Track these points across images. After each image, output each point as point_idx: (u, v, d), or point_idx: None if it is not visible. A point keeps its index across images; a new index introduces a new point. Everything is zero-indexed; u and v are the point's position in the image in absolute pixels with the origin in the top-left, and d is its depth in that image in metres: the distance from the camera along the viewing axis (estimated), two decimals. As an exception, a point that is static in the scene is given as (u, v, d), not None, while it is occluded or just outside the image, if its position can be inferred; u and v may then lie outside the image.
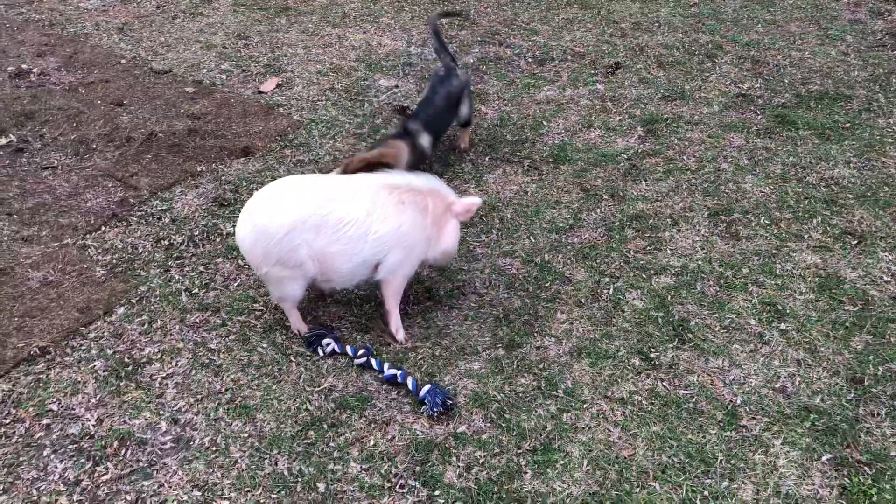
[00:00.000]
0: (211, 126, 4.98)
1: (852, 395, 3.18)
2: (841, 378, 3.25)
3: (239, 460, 2.91)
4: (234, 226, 4.08)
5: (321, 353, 3.36)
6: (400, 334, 3.46)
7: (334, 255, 3.17)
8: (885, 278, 3.76)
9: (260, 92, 5.40)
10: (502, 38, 6.19)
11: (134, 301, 3.63)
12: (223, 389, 3.20)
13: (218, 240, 4.04)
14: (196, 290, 3.70)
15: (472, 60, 5.84)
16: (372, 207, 3.18)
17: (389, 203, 3.22)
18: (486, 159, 4.74)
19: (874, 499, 2.78)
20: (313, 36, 6.21)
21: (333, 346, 3.36)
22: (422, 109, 4.40)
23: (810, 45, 6.04)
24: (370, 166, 3.86)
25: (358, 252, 3.19)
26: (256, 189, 4.31)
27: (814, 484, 2.84)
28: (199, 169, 4.57)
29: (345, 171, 3.86)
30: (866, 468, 2.88)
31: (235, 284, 3.75)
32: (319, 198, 3.16)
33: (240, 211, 3.91)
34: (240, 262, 3.88)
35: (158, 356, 3.35)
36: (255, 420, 3.07)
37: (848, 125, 5.00)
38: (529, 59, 5.89)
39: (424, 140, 4.25)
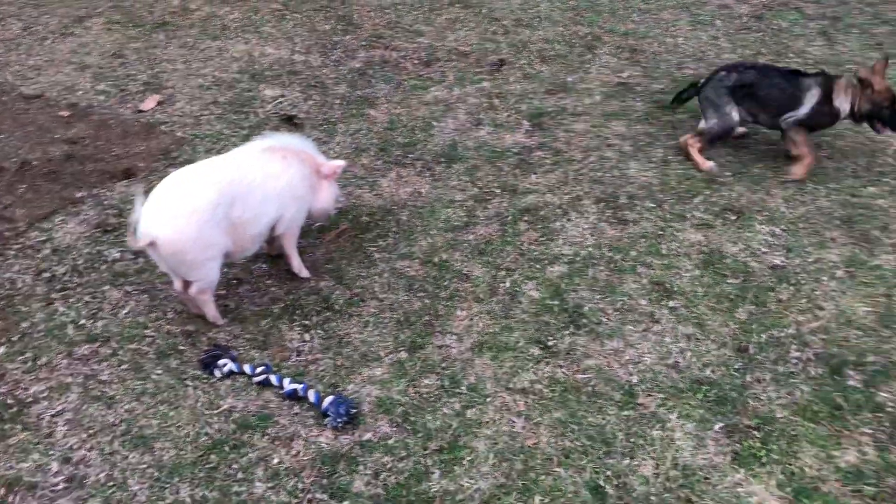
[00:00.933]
0: (89, 150, 4.80)
1: (739, 364, 3.33)
2: (728, 348, 3.40)
3: (138, 493, 2.82)
4: (120, 251, 3.95)
5: (218, 375, 3.28)
6: (304, 272, 3.81)
7: (247, 221, 3.39)
8: (763, 250, 3.95)
9: (140, 111, 5.23)
10: (387, 41, 6.19)
11: (15, 339, 3.46)
12: (117, 421, 3.09)
13: (103, 267, 3.89)
14: (83, 322, 3.56)
15: (358, 65, 5.82)
16: (265, 170, 3.47)
17: (275, 162, 3.54)
18: (379, 163, 4.73)
19: (763, 460, 2.92)
20: (193, 50, 6.05)
21: (230, 365, 3.29)
22: None
23: (683, 32, 6.29)
24: None
25: (265, 213, 3.48)
26: (142, 211, 4.18)
27: (709, 453, 2.96)
28: (79, 195, 4.39)
29: None
30: (755, 432, 3.02)
31: (125, 312, 3.63)
32: (224, 172, 3.38)
33: (124, 236, 3.79)
34: (128, 288, 3.75)
35: (45, 394, 3.20)
36: (153, 449, 2.97)
37: (721, 106, 5.21)
38: (415, 61, 5.91)
39: None
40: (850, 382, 3.23)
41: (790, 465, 2.91)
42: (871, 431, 3.03)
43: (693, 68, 5.70)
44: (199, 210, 3.24)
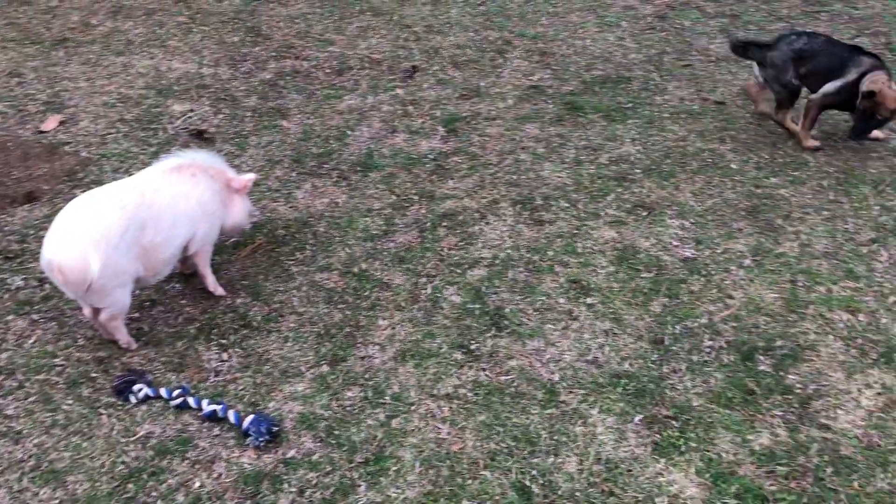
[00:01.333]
0: (-13, 174, 4.59)
1: (656, 356, 3.41)
2: (644, 341, 3.48)
3: (51, 530, 2.70)
4: (24, 279, 3.80)
5: (133, 401, 3.18)
6: (219, 290, 3.74)
7: (158, 245, 3.30)
8: (675, 243, 4.06)
9: (41, 132, 5.04)
10: (297, 51, 6.12)
11: (-88, 377, 3.28)
12: (26, 457, 2.96)
13: (6, 296, 3.73)
14: (-15, 355, 3.40)
15: (269, 77, 5.74)
16: (174, 190, 3.39)
17: (184, 181, 3.45)
18: (294, 174, 4.67)
19: (682, 448, 2.99)
20: (96, 67, 5.86)
21: (146, 390, 3.19)
22: None
23: (591, 33, 6.41)
24: None
25: (177, 234, 3.39)
26: (46, 236, 4.02)
27: (630, 445, 3.02)
28: (-23, 222, 4.20)
29: None
30: (673, 421, 3.10)
31: (31, 342, 3.48)
32: (132, 195, 3.29)
33: (28, 262, 3.65)
34: (34, 317, 3.61)
35: (-53, 433, 3.04)
36: (65, 484, 2.86)
37: (630, 105, 5.35)
38: (328, 70, 5.87)
39: None
40: (761, 367, 3.34)
41: (707, 451, 2.99)
42: (781, 413, 3.14)
43: (602, 69, 5.82)
44: (107, 236, 3.13)
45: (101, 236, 3.11)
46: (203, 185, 3.53)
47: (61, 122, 5.15)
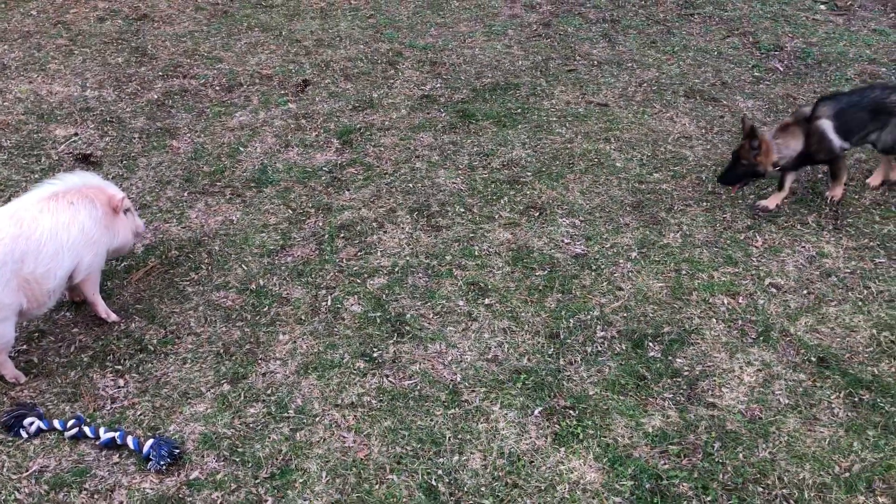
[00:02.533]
0: None
1: (552, 349, 3.53)
2: (541, 336, 3.60)
3: (-61, 577, 2.58)
4: None
5: (25, 435, 3.07)
6: (112, 316, 3.65)
7: (40, 277, 3.19)
8: (566, 241, 4.21)
9: (-89, 163, 4.80)
10: (185, 69, 6.03)
11: None
12: None
13: None
14: None
15: (156, 97, 5.63)
16: (53, 220, 3.26)
17: (62, 209, 3.31)
18: (185, 194, 4.60)
19: (580, 436, 3.11)
20: (-30, 93, 5.62)
21: (38, 423, 3.09)
22: None
23: (479, 43, 6.57)
24: None
25: (60, 265, 3.26)
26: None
27: (531, 437, 3.11)
28: None
29: None
30: (571, 411, 3.22)
31: None
32: (9, 227, 3.15)
33: None
34: (-89, 356, 3.42)
35: None
36: (-47, 527, 2.74)
37: (519, 110, 5.51)
38: (217, 88, 5.80)
39: None
40: (651, 353, 3.51)
41: (604, 437, 3.11)
42: (671, 395, 3.30)
43: (491, 77, 5.97)
44: None
45: None
46: (83, 212, 3.40)
47: (-66, 153, 4.91)
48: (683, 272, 3.99)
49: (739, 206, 4.50)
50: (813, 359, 3.47)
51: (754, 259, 4.07)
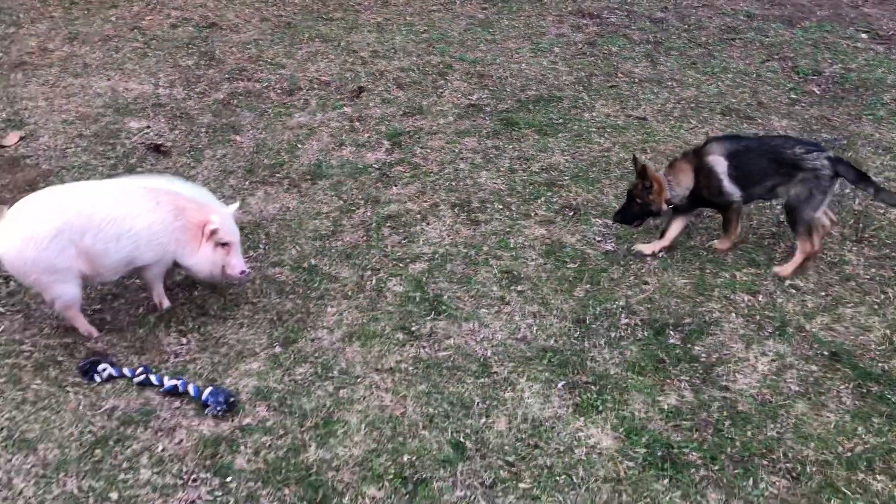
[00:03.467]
0: (-50, 185, 4.81)
1: (578, 333, 3.79)
2: (568, 321, 3.86)
3: (24, 490, 2.94)
4: (-11, 277, 4.02)
5: (98, 380, 3.43)
6: (165, 303, 3.84)
7: (98, 253, 3.45)
8: (598, 238, 4.48)
9: (2, 146, 5.27)
10: (250, 73, 6.46)
11: None
12: (-2, 429, 3.18)
13: (-27, 292, 3.95)
14: (-45, 343, 3.62)
15: (222, 97, 6.06)
16: (129, 207, 3.50)
17: (143, 203, 3.54)
18: (246, 183, 4.99)
19: (599, 408, 3.36)
20: (55, 88, 6.12)
21: (110, 370, 3.44)
22: None
23: (525, 58, 6.90)
24: None
25: (118, 249, 3.49)
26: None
27: (553, 406, 3.37)
28: (-58, 227, 4.40)
29: None
30: (592, 386, 3.47)
31: (-1, 331, 3.71)
32: (83, 201, 3.45)
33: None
34: (1, 309, 3.83)
35: (-79, 411, 3.25)
36: (36, 450, 3.10)
37: (561, 121, 5.81)
38: (279, 91, 6.22)
39: None
40: (671, 341, 3.75)
41: (622, 411, 3.36)
42: (688, 378, 3.54)
43: (535, 90, 6.29)
44: (36, 236, 3.34)
45: (31, 235, 3.35)
46: (160, 215, 3.54)
47: (21, 138, 5.39)
48: (707, 271, 4.22)
49: (766, 213, 4.71)
50: (825, 353, 3.67)
51: (776, 262, 4.28)
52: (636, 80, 6.49)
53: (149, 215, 3.54)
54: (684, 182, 4.18)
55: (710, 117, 5.88)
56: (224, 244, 3.65)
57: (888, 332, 3.80)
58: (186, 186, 3.72)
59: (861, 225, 4.59)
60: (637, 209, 4.26)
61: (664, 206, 4.23)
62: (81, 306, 3.66)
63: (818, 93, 6.30)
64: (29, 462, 3.05)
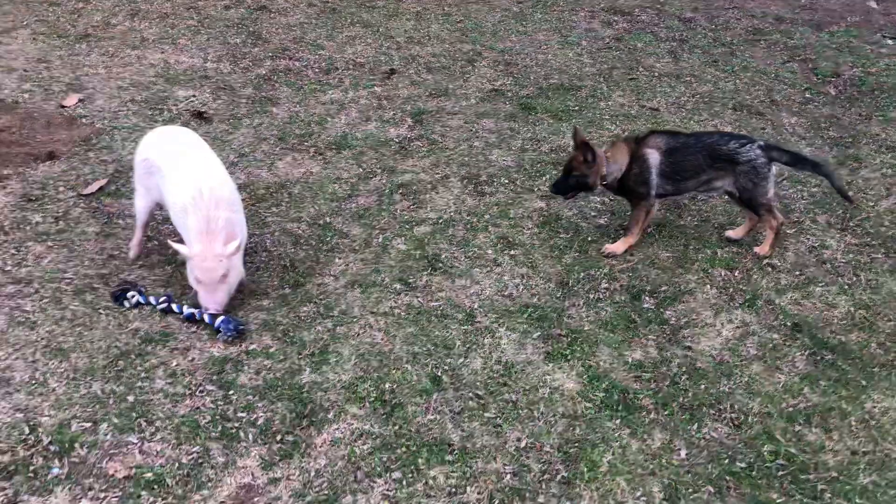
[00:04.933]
0: (15, 136, 5.36)
1: (560, 293, 4.12)
2: (553, 283, 4.20)
3: (56, 388, 3.40)
4: (42, 216, 4.54)
5: (127, 305, 3.89)
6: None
7: (164, 190, 3.99)
8: (593, 213, 4.80)
9: (62, 106, 5.82)
10: (292, 53, 6.93)
11: (-52, 280, 4.00)
12: (39, 339, 3.66)
13: (28, 228, 4.46)
14: (8, 268, 4.12)
15: (264, 72, 6.54)
16: (189, 175, 3.88)
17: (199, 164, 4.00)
18: (277, 149, 5.44)
19: (568, 357, 3.69)
20: (113, 58, 6.67)
21: (138, 297, 3.90)
22: None
23: (553, 50, 7.23)
24: None
25: (172, 193, 3.91)
26: (63, 185, 4.81)
27: (526, 353, 3.72)
28: (5, 173, 4.95)
29: None
30: (565, 338, 3.80)
31: (46, 261, 4.20)
32: (167, 146, 4.05)
33: (46, 205, 4.44)
34: (49, 243, 4.33)
35: (-25, 321, 3.76)
36: (70, 358, 3.56)
37: (577, 108, 6.13)
38: (316, 70, 6.67)
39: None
40: (645, 305, 4.05)
41: (589, 361, 3.69)
42: (655, 337, 3.85)
43: (557, 79, 6.62)
44: (137, 153, 4.20)
45: (137, 149, 4.23)
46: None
47: (80, 100, 5.93)
48: (691, 247, 4.51)
49: (758, 201, 4.96)
50: (788, 324, 3.94)
51: (759, 244, 4.54)
52: (656, 74, 6.76)
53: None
54: (620, 161, 4.31)
55: (721, 112, 6.13)
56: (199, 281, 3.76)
57: (853, 309, 4.04)
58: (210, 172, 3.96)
59: (849, 214, 4.81)
60: (573, 182, 4.36)
61: (598, 183, 4.35)
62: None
63: (833, 93, 6.49)
64: (62, 367, 3.52)
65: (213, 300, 3.76)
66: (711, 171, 4.30)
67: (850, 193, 4.69)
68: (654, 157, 4.29)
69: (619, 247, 4.41)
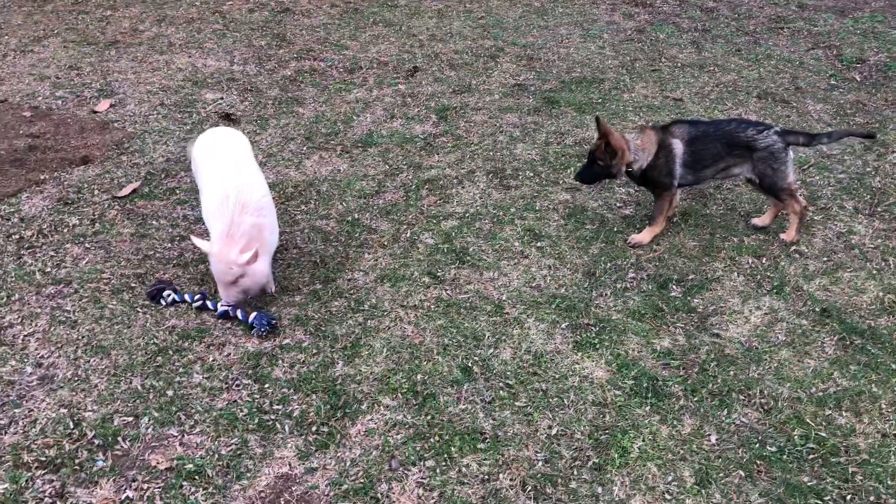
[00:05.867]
0: (50, 142, 5.50)
1: (587, 284, 4.16)
2: (580, 274, 4.23)
3: (98, 384, 3.51)
4: (78, 219, 4.66)
5: (163, 304, 3.99)
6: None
7: (200, 188, 4.16)
8: (618, 204, 4.82)
9: (94, 112, 5.96)
10: (316, 53, 7.03)
11: (-9, 283, 4.13)
12: (80, 337, 3.77)
13: (65, 230, 4.58)
14: (49, 270, 4.24)
15: (289, 73, 6.63)
16: (220, 177, 3.98)
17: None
18: (305, 148, 5.52)
19: (597, 346, 3.73)
20: (142, 63, 6.81)
21: (173, 296, 4.00)
22: None
23: (575, 43, 7.25)
24: None
25: (203, 193, 4.07)
26: (97, 189, 4.93)
27: (555, 343, 3.76)
28: (42, 177, 5.08)
29: None
30: (593, 328, 3.84)
31: (84, 262, 4.32)
32: (209, 147, 4.21)
33: (82, 208, 4.55)
34: (86, 245, 4.45)
35: (19, 321, 3.87)
36: (110, 355, 3.67)
37: (600, 100, 6.15)
38: (341, 69, 6.75)
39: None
40: (673, 293, 4.08)
41: (617, 349, 3.72)
42: (683, 325, 3.87)
43: (580, 72, 6.64)
44: (192, 148, 4.36)
45: (194, 145, 4.41)
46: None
47: (111, 105, 6.06)
48: (717, 235, 4.52)
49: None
50: (817, 309, 3.94)
51: (785, 231, 4.53)
52: (679, 64, 6.76)
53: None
54: (649, 149, 4.30)
55: (745, 100, 6.12)
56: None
57: (881, 293, 4.03)
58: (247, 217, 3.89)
59: (876, 200, 4.79)
60: (598, 170, 4.36)
61: (623, 171, 4.33)
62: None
63: (858, 80, 6.45)
64: (103, 364, 3.62)
65: (226, 295, 3.89)
66: (730, 157, 4.30)
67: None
68: (678, 146, 4.30)
69: (644, 236, 4.43)
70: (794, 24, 7.52)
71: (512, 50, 7.11)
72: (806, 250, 4.37)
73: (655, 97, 6.18)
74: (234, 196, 3.83)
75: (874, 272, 4.20)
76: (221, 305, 3.92)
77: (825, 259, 4.31)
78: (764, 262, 4.30)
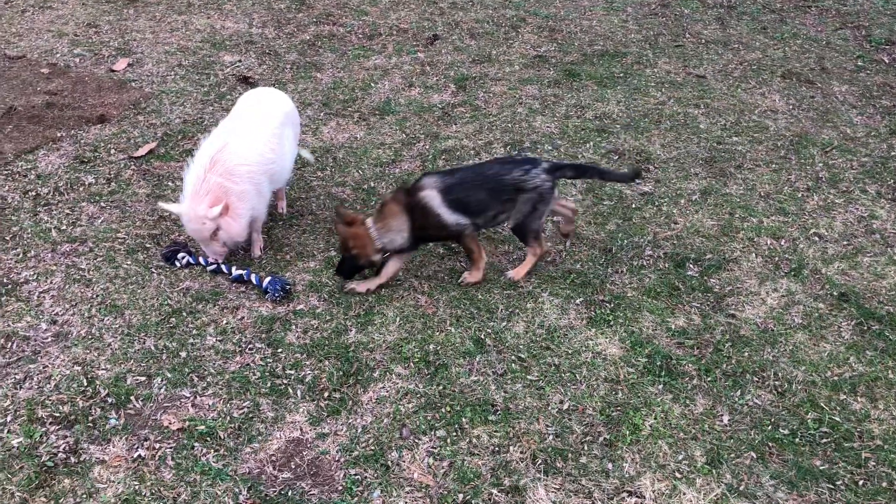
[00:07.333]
0: (68, 100, 5.48)
1: (603, 260, 4.13)
2: (596, 250, 4.20)
3: (112, 343, 3.52)
4: (94, 178, 4.65)
5: (178, 265, 3.99)
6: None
7: None
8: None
9: (112, 70, 5.92)
10: (335, 18, 6.95)
11: (7, 239, 4.13)
12: (94, 296, 3.78)
13: (81, 189, 4.57)
14: (64, 227, 4.24)
15: (308, 38, 6.57)
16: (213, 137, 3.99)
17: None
18: (322, 115, 5.48)
19: (611, 322, 3.71)
20: (160, 23, 6.75)
21: (188, 258, 4.00)
22: None
23: (598, 16, 7.14)
24: None
25: None
26: (114, 148, 4.91)
27: (569, 318, 3.74)
28: (59, 135, 5.07)
29: None
30: (608, 304, 3.81)
31: (100, 221, 4.32)
32: (239, 106, 4.22)
33: (98, 166, 4.54)
34: (102, 204, 4.44)
35: (34, 277, 3.88)
36: (124, 315, 3.68)
37: (622, 74, 6.07)
38: (360, 35, 6.68)
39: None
40: (689, 273, 4.04)
41: (632, 327, 3.70)
42: (698, 305, 3.84)
43: (602, 45, 6.54)
44: None
45: None
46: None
47: (129, 64, 6.03)
48: (737, 216, 4.47)
49: (807, 170, 4.89)
50: (835, 293, 3.90)
51: (806, 213, 4.49)
52: (703, 41, 6.65)
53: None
54: (395, 226, 3.76)
55: (769, 79, 6.02)
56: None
57: (902, 280, 3.99)
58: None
59: (899, 185, 4.73)
60: (354, 262, 3.83)
61: (376, 257, 3.82)
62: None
63: (886, 61, 6.33)
64: (117, 323, 3.63)
65: (210, 251, 3.97)
66: (499, 205, 3.81)
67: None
68: (432, 197, 3.73)
69: (474, 276, 3.93)
70: (822, 2, 7.37)
71: (533, 20, 7.01)
72: (826, 233, 4.32)
73: (678, 73, 6.09)
74: (208, 154, 3.84)
75: (895, 257, 4.14)
76: (211, 263, 3.92)
77: (845, 243, 4.26)
78: (783, 243, 4.25)
